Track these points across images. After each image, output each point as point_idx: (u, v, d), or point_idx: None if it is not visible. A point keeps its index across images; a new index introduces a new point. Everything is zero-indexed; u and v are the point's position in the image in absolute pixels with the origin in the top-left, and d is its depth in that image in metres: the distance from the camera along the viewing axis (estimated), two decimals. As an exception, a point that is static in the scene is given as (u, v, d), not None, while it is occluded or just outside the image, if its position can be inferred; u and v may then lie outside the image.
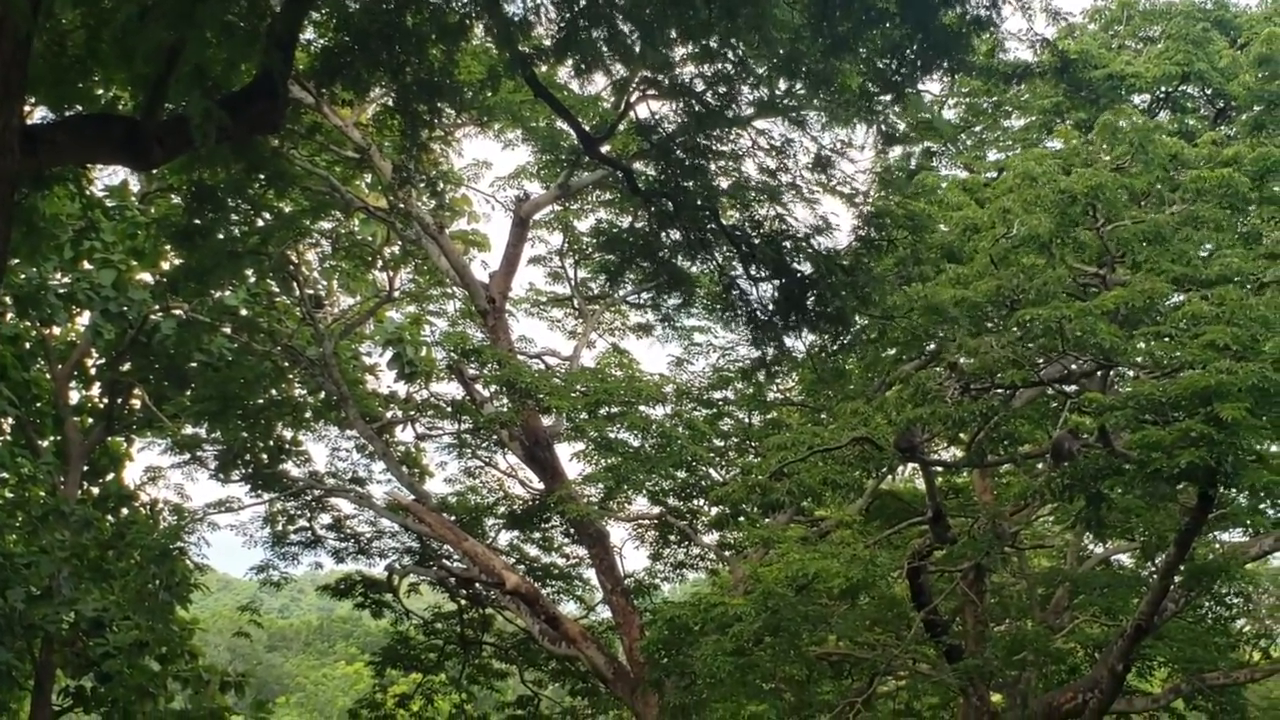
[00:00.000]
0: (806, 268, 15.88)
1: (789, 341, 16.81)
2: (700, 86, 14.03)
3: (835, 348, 20.54)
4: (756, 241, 15.67)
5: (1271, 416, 15.01)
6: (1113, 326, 16.00)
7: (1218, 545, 22.01)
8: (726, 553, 26.61)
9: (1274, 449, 19.35)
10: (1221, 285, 17.57)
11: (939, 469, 22.51)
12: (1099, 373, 17.31)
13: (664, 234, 16.18)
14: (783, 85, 14.42)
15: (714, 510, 26.92)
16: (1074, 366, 17.31)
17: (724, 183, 16.01)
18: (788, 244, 15.86)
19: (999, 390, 17.09)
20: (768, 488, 18.95)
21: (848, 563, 18.32)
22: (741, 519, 23.90)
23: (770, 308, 15.98)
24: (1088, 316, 15.83)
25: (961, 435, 20.07)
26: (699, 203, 15.14)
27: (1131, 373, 17.65)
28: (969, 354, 17.82)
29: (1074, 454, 15.99)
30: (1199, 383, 14.42)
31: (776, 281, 15.90)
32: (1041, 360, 17.54)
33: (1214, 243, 19.34)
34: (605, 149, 16.28)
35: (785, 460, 19.00)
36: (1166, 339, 16.16)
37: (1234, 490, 17.20)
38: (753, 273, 15.94)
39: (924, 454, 18.55)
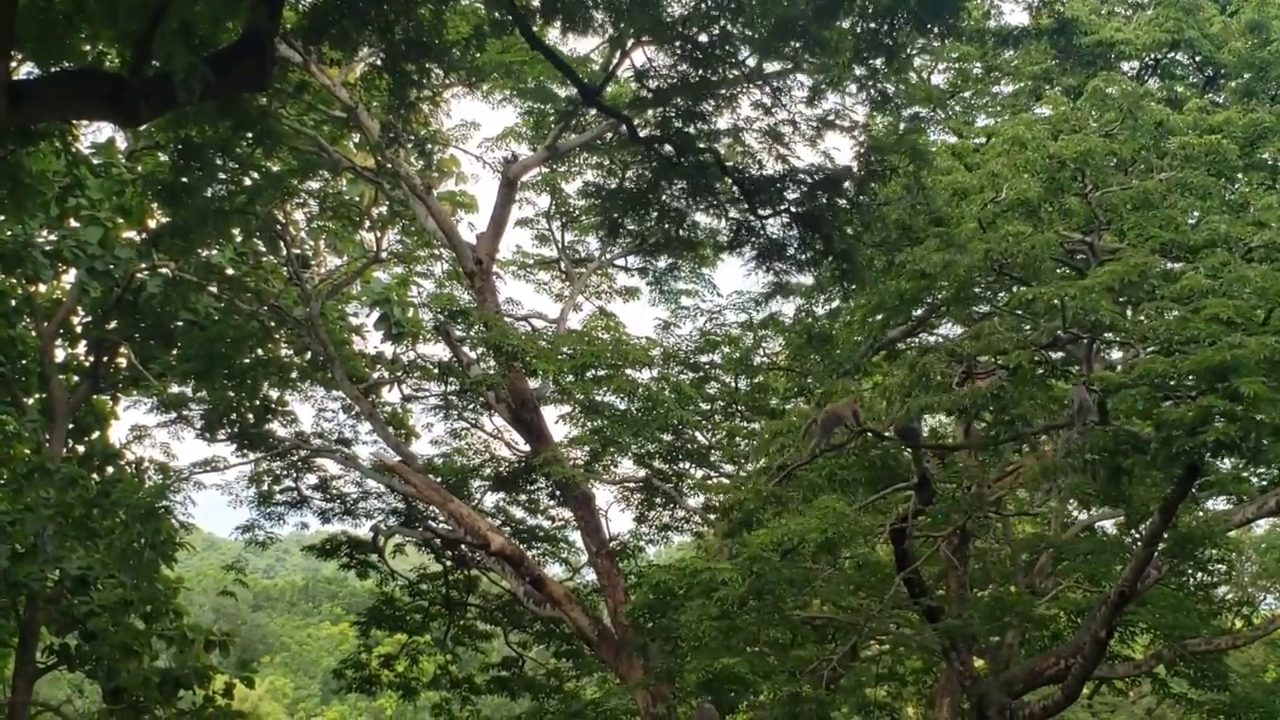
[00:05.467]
0: (810, 206, 15.93)
1: (800, 259, 16.85)
2: (694, 31, 14.00)
3: (844, 284, 20.49)
4: (759, 180, 15.72)
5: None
6: (1111, 304, 15.98)
7: (1201, 513, 22.09)
8: (712, 516, 26.64)
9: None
10: (1209, 251, 17.57)
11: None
12: (1084, 340, 17.32)
13: (666, 182, 16.18)
14: (775, 46, 14.37)
15: (705, 478, 26.97)
16: (1060, 334, 17.31)
17: (722, 124, 16.01)
18: (789, 181, 15.91)
19: (1002, 370, 17.05)
20: (783, 496, 18.97)
21: (829, 520, 18.32)
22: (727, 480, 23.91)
23: (780, 235, 16.09)
24: (1090, 294, 15.79)
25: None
26: (699, 145, 15.14)
27: (1119, 340, 17.65)
28: (973, 334, 17.81)
29: (1093, 408, 15.92)
30: (1214, 359, 14.39)
31: (782, 219, 15.98)
32: (1059, 330, 17.52)
33: (1200, 209, 19.34)
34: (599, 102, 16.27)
35: (788, 458, 19.00)
36: (1168, 314, 16.13)
37: (1253, 465, 17.19)
38: (759, 211, 15.99)
39: (923, 439, 18.54)
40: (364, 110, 23.32)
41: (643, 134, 15.54)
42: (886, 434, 18.32)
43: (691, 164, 15.34)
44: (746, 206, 16.19)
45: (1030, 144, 19.44)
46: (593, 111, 22.16)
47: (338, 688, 36.45)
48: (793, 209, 16.13)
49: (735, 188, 16.06)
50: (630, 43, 15.21)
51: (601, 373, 24.46)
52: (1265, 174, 22.34)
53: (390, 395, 30.47)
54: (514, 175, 26.18)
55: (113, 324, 28.72)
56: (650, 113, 15.55)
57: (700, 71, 14.47)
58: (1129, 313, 16.83)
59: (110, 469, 29.52)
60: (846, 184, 16.67)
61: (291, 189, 25.54)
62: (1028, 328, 17.41)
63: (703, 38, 14.10)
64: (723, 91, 15.23)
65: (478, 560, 27.62)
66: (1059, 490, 21.84)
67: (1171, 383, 15.05)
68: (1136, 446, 15.37)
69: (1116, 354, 19.17)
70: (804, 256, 16.74)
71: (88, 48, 13.00)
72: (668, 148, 15.42)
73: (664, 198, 16.59)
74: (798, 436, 19.16)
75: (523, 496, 30.25)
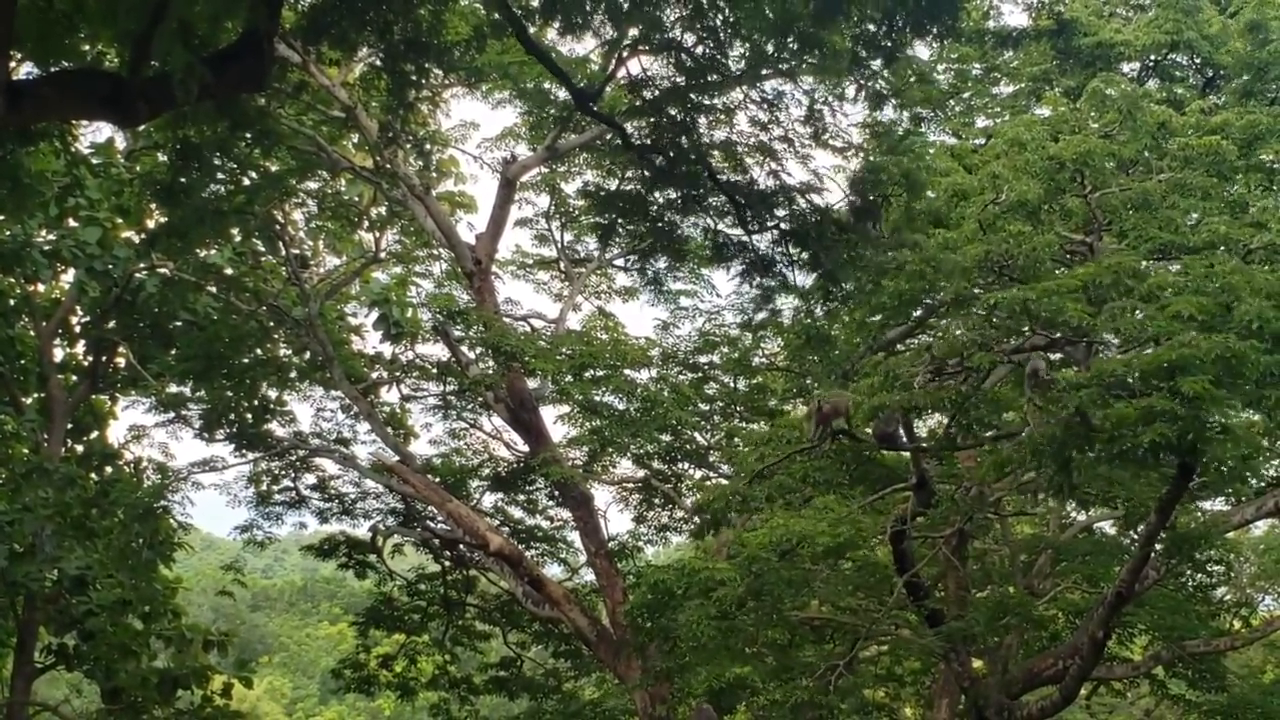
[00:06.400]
0: (799, 223, 15.95)
1: (788, 274, 16.89)
2: (691, 41, 14.01)
3: (828, 303, 20.53)
4: (750, 194, 15.73)
5: (1239, 388, 14.97)
6: (1080, 304, 15.93)
7: (1199, 514, 22.07)
8: (709, 517, 26.61)
9: (1254, 416, 19.36)
10: (1208, 252, 17.55)
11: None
12: (1083, 342, 17.30)
13: (656, 191, 16.20)
14: (772, 46, 14.37)
15: (704, 479, 26.94)
16: (1058, 335, 17.29)
17: (717, 137, 16.02)
18: (781, 198, 15.92)
19: (973, 372, 17.02)
20: (748, 495, 18.96)
21: (833, 523, 18.33)
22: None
23: (768, 250, 16.11)
24: (1052, 296, 15.77)
25: (934, 412, 20.05)
26: (692, 157, 15.14)
27: (1116, 340, 17.64)
28: (941, 335, 17.80)
29: (1049, 379, 15.90)
30: (1163, 357, 14.38)
31: (771, 235, 16.01)
32: (1026, 331, 17.50)
33: (1200, 211, 19.32)
34: (596, 107, 16.26)
35: (766, 461, 18.99)
36: (1136, 312, 16.09)
37: (1197, 463, 17.13)
38: (748, 225, 16.00)
39: (902, 441, 18.52)
40: (363, 110, 23.32)
41: (637, 142, 15.54)
42: (861, 436, 18.27)
43: (682, 174, 15.35)
44: (736, 220, 16.22)
45: (1030, 145, 19.44)
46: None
47: (336, 688, 36.46)
48: (782, 225, 16.15)
49: (726, 200, 16.08)
50: (626, 50, 15.23)
51: (600, 373, 24.45)
52: (1263, 176, 22.32)
53: (389, 395, 30.55)
54: (513, 175, 26.18)
55: (111, 324, 28.73)
56: (644, 122, 15.55)
57: (694, 80, 14.47)
58: (1106, 316, 16.77)
59: (109, 469, 29.53)
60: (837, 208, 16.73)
61: (290, 189, 25.55)
62: (1026, 330, 17.39)
63: (699, 49, 14.10)
64: (718, 103, 15.26)
65: (476, 560, 27.63)
66: (1044, 488, 21.84)
67: (1129, 381, 15.00)
68: (1085, 437, 15.33)
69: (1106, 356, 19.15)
70: (790, 272, 16.79)
71: (87, 47, 12.99)
72: (659, 157, 15.42)
73: (655, 205, 16.62)
74: (781, 444, 19.15)
75: (521, 497, 30.28)
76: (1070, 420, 15.18)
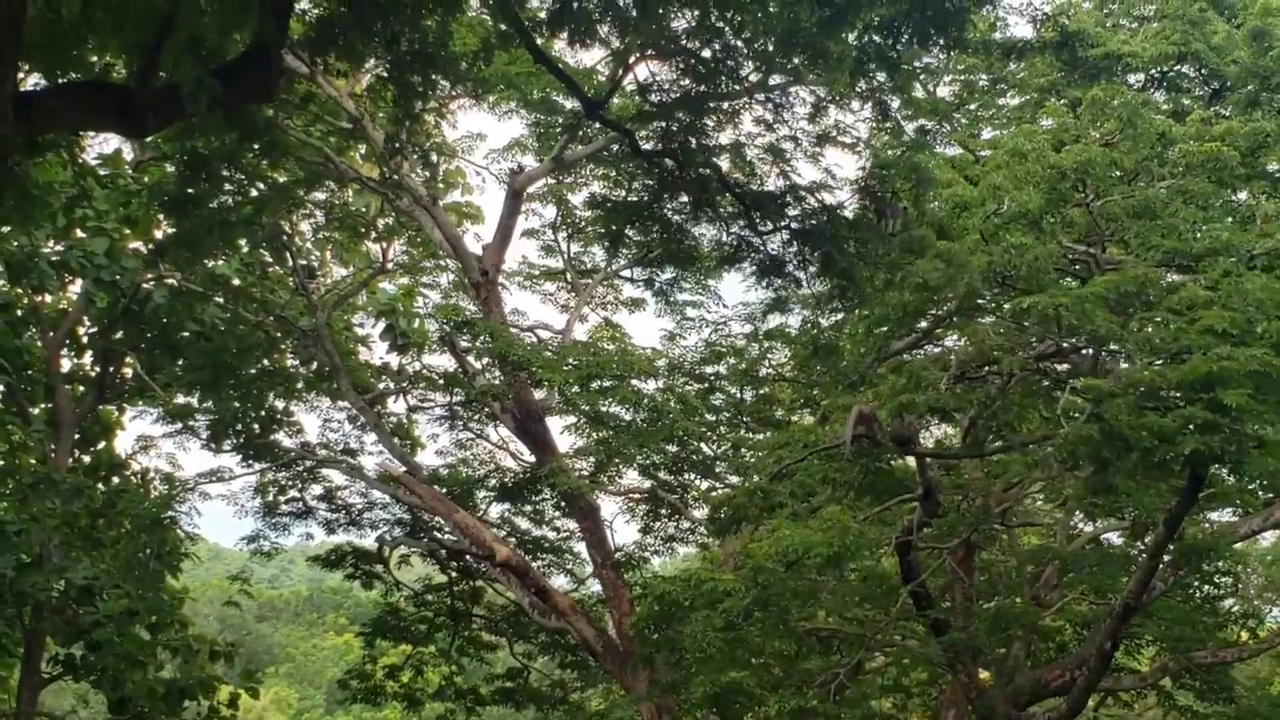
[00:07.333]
0: (811, 223, 15.97)
1: (799, 276, 16.90)
2: (696, 46, 14.03)
3: (845, 301, 20.51)
4: (759, 195, 15.74)
5: (1272, 401, 15.00)
6: (1106, 312, 15.95)
7: (1207, 525, 22.03)
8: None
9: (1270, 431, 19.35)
10: (1210, 259, 17.55)
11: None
12: (1089, 350, 17.30)
13: (666, 196, 16.21)
14: (779, 56, 14.39)
15: (710, 489, 26.91)
16: (1065, 344, 17.29)
17: (725, 139, 16.03)
18: (790, 198, 15.94)
19: (996, 376, 17.03)
20: (769, 491, 18.95)
21: (835, 534, 18.33)
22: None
23: (780, 251, 16.12)
24: (1084, 304, 15.79)
25: (956, 415, 20.04)
26: (699, 160, 15.17)
27: (1124, 352, 17.63)
28: (968, 338, 17.79)
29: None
30: (1200, 369, 14.40)
31: (783, 236, 16.02)
32: (1035, 342, 17.51)
33: (1202, 219, 19.32)
34: (604, 114, 16.28)
35: (784, 462, 18.98)
36: (1163, 323, 16.11)
37: (1237, 476, 17.11)
38: (759, 226, 16.02)
39: (920, 445, 18.51)
40: (370, 121, 23.34)
41: (645, 148, 15.56)
42: (881, 439, 18.26)
43: (692, 178, 15.38)
44: (746, 222, 16.24)
45: (1031, 155, 19.43)
46: (597, 124, 22.26)
47: (342, 698, 36.44)
48: (793, 225, 16.17)
49: (736, 203, 16.09)
50: (634, 57, 15.24)
51: (607, 383, 24.45)
52: (1266, 184, 22.30)
53: (396, 406, 30.57)
54: (520, 186, 26.20)
55: (119, 334, 28.72)
56: (652, 126, 15.56)
57: (702, 86, 14.51)
58: (1134, 325, 16.78)
59: (116, 479, 29.51)
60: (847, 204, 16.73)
61: (298, 199, 25.59)
62: (1035, 341, 17.39)
63: (705, 52, 14.12)
64: (725, 106, 15.27)
65: (483, 571, 27.65)
66: (1066, 495, 21.77)
67: (1162, 393, 15.03)
68: (1124, 443, 15.33)
69: (1125, 366, 19.14)
70: (803, 274, 16.80)
71: (95, 59, 13.01)
72: (669, 162, 15.45)
73: (665, 211, 16.63)
74: (797, 447, 19.14)
75: (528, 507, 30.23)
76: (1105, 427, 15.21)
